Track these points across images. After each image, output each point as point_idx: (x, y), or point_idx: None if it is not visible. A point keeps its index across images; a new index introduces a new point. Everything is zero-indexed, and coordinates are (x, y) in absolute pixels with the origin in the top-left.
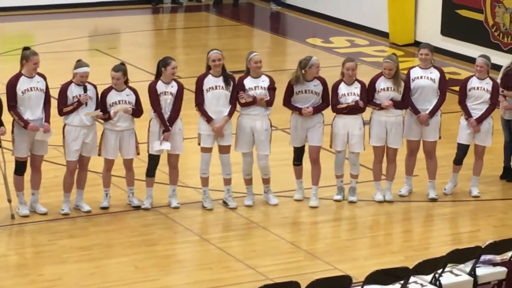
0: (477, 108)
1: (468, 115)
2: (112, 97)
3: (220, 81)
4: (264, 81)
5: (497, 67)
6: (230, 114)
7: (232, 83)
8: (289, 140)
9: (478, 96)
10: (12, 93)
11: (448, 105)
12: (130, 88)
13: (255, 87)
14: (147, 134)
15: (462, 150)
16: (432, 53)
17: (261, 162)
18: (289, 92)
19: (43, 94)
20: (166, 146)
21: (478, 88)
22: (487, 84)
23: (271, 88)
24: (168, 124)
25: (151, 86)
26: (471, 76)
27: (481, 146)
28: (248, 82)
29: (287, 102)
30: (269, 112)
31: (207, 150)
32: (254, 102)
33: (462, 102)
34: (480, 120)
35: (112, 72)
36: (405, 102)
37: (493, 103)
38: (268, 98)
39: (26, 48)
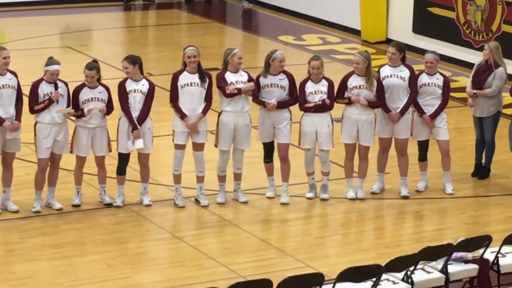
0: (430, 104)
1: (420, 111)
2: (85, 94)
3: (195, 78)
4: (242, 76)
5: (469, 65)
6: (205, 111)
7: (208, 80)
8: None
9: (430, 92)
10: None
11: None
12: (103, 85)
13: (236, 82)
14: (116, 133)
15: (422, 145)
16: (401, 52)
17: (237, 155)
18: (257, 86)
19: (15, 92)
20: (139, 144)
21: (428, 84)
22: (438, 80)
23: (251, 79)
24: (136, 122)
25: (120, 83)
26: (421, 73)
27: (442, 141)
28: (230, 77)
29: (255, 97)
30: (249, 107)
31: (180, 147)
32: (239, 93)
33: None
34: (434, 116)
35: (85, 71)
36: (379, 100)
37: (445, 99)
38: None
39: None
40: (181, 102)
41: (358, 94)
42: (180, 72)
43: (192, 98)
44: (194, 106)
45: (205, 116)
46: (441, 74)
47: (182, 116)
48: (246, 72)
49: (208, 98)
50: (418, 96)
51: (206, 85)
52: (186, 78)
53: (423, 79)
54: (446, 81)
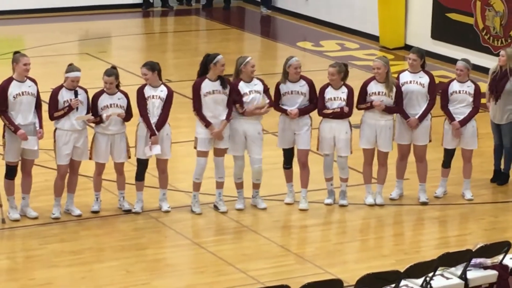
0: (460, 112)
1: (451, 118)
2: (104, 100)
3: (217, 85)
4: (256, 85)
5: (487, 71)
6: (228, 117)
7: (228, 86)
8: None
9: (461, 99)
10: (3, 98)
11: (438, 108)
12: (122, 92)
13: (249, 92)
14: (134, 138)
15: (449, 153)
16: (422, 59)
17: (256, 166)
18: (277, 94)
19: (34, 99)
20: (156, 150)
21: (459, 91)
22: (469, 87)
23: (266, 90)
24: (154, 128)
25: (138, 89)
26: (452, 80)
27: (468, 150)
28: (243, 87)
29: (276, 104)
30: (261, 116)
31: (203, 154)
32: (243, 114)
33: (445, 106)
34: (463, 123)
35: (104, 77)
36: (396, 106)
37: (476, 106)
38: (268, 100)
39: (16, 53)
40: (204, 110)
41: (382, 101)
42: (202, 80)
43: (216, 105)
44: (218, 113)
45: (228, 123)
46: (472, 82)
47: (207, 124)
48: (260, 80)
49: (230, 104)
50: (449, 104)
51: (227, 91)
52: (208, 86)
53: (454, 86)
54: (477, 89)
